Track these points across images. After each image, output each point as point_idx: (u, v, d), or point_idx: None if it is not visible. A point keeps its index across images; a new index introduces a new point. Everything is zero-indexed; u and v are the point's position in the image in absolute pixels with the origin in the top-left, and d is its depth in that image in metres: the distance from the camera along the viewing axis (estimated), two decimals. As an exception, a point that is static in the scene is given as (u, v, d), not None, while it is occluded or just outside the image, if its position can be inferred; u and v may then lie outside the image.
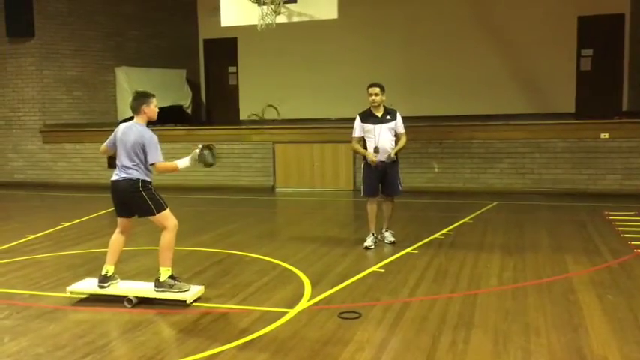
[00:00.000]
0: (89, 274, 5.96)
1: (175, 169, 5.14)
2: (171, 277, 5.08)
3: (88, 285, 5.32)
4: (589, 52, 13.26)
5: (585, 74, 13.26)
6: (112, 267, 5.21)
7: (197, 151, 5.10)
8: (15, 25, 12.48)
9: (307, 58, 14.50)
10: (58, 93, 13.05)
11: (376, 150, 6.76)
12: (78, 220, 8.89)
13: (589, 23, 13.04)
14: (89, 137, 12.64)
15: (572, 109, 13.08)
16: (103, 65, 13.69)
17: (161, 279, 5.07)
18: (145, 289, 5.18)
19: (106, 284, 5.18)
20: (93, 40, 13.48)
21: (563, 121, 11.07)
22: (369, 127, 6.80)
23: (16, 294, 5.46)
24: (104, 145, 5.31)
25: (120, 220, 5.23)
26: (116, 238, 5.24)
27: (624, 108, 12.82)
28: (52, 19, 12.79)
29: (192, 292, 5.08)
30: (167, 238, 5.05)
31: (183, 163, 5.09)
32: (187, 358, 3.99)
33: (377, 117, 6.81)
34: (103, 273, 5.19)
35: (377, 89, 6.75)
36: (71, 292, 5.24)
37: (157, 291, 5.07)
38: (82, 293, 5.26)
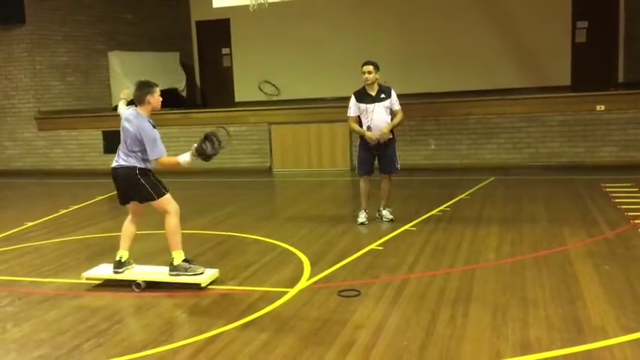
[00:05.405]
0: (89, 260, 6.00)
1: (177, 164, 5.05)
2: (185, 260, 5.08)
3: (104, 271, 5.30)
4: (584, 24, 13.15)
5: (580, 46, 13.18)
6: (126, 252, 5.20)
7: (195, 145, 4.98)
8: (5, 11, 12.33)
9: (302, 38, 14.40)
10: (51, 79, 12.97)
11: (369, 129, 6.77)
12: (76, 207, 8.90)
13: (584, -5, 12.96)
14: (84, 123, 12.60)
15: (567, 82, 13.02)
16: (95, 50, 13.59)
17: (175, 263, 5.06)
18: (159, 272, 5.18)
19: (120, 270, 5.16)
20: (84, 25, 13.35)
21: (559, 94, 11.03)
22: (364, 106, 6.79)
23: (17, 281, 5.49)
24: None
25: (128, 207, 5.22)
26: (128, 224, 5.23)
27: (620, 79, 12.77)
28: (42, 4, 12.66)
29: (206, 275, 5.08)
30: (171, 222, 5.03)
31: (184, 158, 4.99)
32: (190, 339, 4.02)
33: (372, 96, 6.79)
34: (117, 259, 5.18)
35: (370, 67, 6.72)
36: (87, 278, 5.23)
37: (172, 275, 5.06)
38: (98, 279, 5.25)
